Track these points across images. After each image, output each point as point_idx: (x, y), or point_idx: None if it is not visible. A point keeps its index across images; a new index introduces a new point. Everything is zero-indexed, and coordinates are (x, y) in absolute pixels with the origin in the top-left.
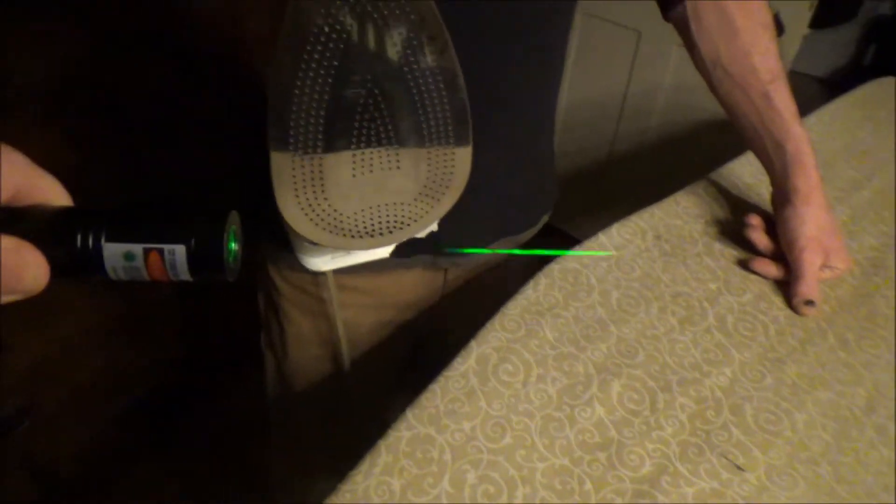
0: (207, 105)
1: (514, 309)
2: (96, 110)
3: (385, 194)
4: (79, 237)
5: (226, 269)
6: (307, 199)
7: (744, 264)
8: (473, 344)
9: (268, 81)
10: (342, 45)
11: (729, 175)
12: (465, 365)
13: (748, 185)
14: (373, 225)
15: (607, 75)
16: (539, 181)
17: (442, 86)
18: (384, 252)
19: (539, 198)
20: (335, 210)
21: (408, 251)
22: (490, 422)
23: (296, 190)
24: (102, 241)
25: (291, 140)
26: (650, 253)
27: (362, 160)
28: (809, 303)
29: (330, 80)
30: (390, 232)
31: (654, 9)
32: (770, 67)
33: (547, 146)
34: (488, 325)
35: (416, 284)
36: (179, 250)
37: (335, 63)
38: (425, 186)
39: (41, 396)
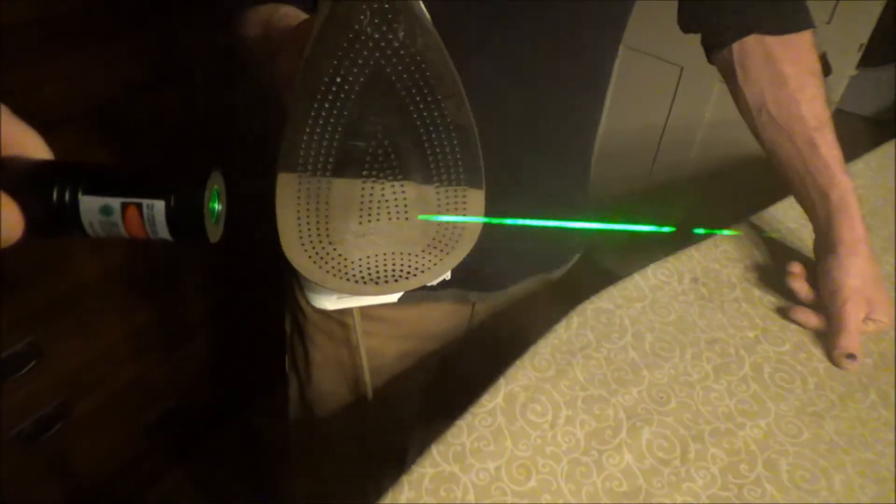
0: (245, 135)
1: (545, 347)
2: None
3: (392, 243)
4: (55, 189)
5: (206, 229)
6: (312, 244)
7: (783, 313)
8: (502, 381)
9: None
10: (353, 97)
11: (770, 219)
12: (493, 402)
13: (790, 229)
14: (378, 273)
15: (647, 108)
16: (574, 218)
17: (455, 142)
18: (393, 297)
19: (572, 236)
20: (340, 255)
21: (437, 285)
22: (515, 463)
23: (300, 235)
24: (80, 194)
25: (300, 181)
26: (686, 296)
27: (369, 209)
28: (851, 356)
29: (340, 130)
30: (396, 281)
31: (698, 45)
32: (817, 114)
33: (583, 184)
34: (518, 363)
35: (443, 317)
36: (158, 206)
37: (345, 114)
38: (434, 238)
39: (75, 402)
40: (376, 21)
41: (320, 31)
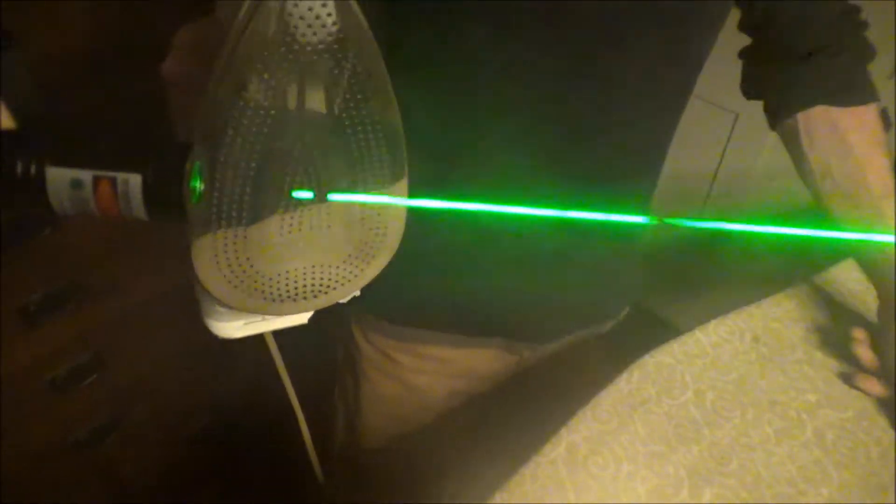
0: None
1: (607, 399)
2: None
3: (313, 255)
4: (19, 160)
5: (186, 209)
6: (229, 263)
7: (846, 378)
8: (564, 431)
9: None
10: (273, 111)
11: (833, 280)
12: (555, 452)
13: (852, 291)
14: (296, 288)
15: (699, 153)
16: (626, 272)
17: (382, 142)
18: (303, 318)
19: (624, 290)
20: (257, 272)
21: (485, 333)
22: None
23: (216, 255)
24: (46, 165)
25: (214, 212)
26: (747, 355)
27: (291, 220)
28: None
29: (258, 146)
30: (314, 296)
31: None
32: (884, 183)
33: (638, 238)
34: (580, 414)
35: (493, 359)
36: (134, 180)
37: (266, 125)
38: (356, 247)
39: (127, 413)
40: (309, 9)
41: (252, 19)
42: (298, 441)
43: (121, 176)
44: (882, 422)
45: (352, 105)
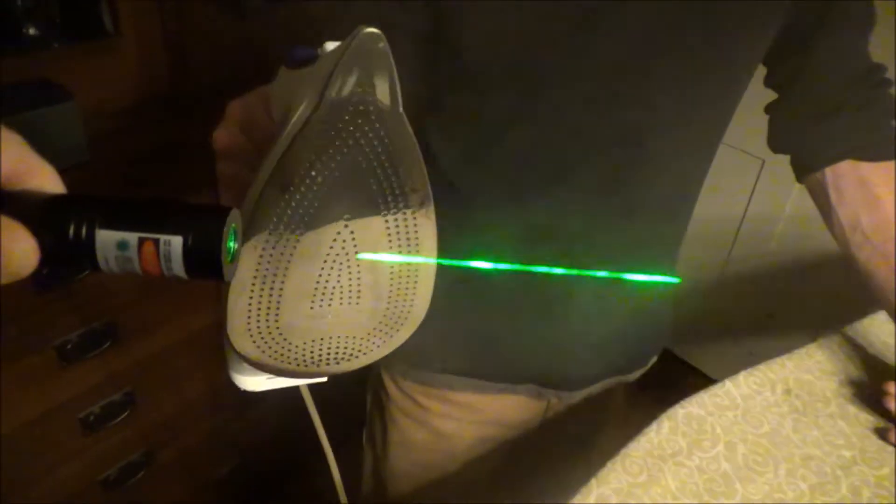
0: None
1: (637, 451)
2: None
3: (342, 326)
4: (72, 223)
5: (222, 268)
6: (259, 330)
7: (881, 433)
8: (594, 482)
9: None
10: (325, 189)
11: (866, 332)
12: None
13: (885, 343)
14: (321, 356)
15: (725, 198)
16: (656, 319)
17: (416, 231)
18: (323, 378)
19: (652, 339)
20: (285, 339)
21: (516, 380)
22: None
23: (248, 320)
24: (96, 227)
25: (257, 268)
26: (779, 408)
27: (324, 293)
28: None
29: (306, 220)
30: (337, 363)
31: None
32: None
33: (667, 290)
34: (609, 465)
35: (521, 406)
36: (176, 242)
37: (315, 205)
38: (380, 322)
39: (157, 452)
40: (359, 121)
41: (302, 130)
42: (326, 486)
43: (164, 238)
44: None
45: (390, 199)
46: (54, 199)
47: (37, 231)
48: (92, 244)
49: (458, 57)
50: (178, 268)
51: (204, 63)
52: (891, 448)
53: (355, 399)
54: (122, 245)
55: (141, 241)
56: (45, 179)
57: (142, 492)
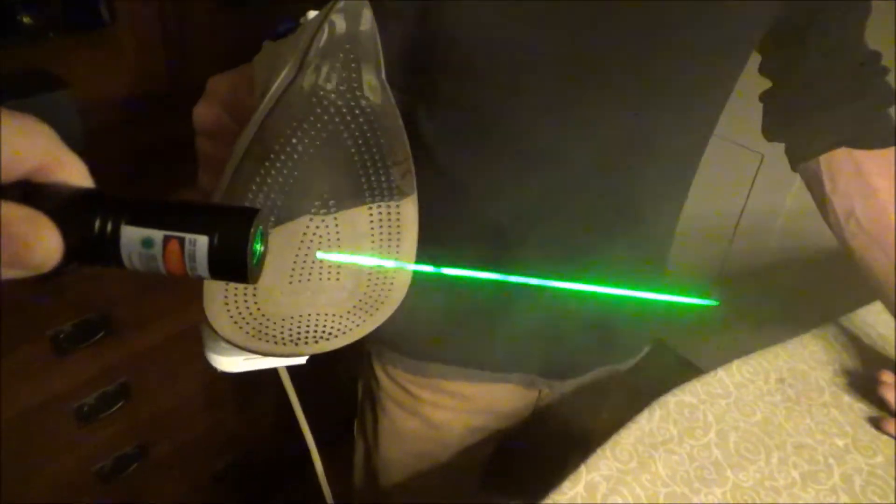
0: None
1: (627, 438)
2: None
3: (320, 303)
4: (98, 218)
5: (247, 269)
6: (237, 306)
7: (875, 423)
8: (583, 469)
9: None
10: (305, 160)
11: (861, 323)
12: (574, 490)
13: (880, 335)
14: (299, 333)
15: (724, 193)
16: (648, 309)
17: (397, 205)
18: (301, 358)
19: (645, 327)
20: (263, 315)
21: (507, 367)
22: None
23: (226, 297)
24: (122, 223)
25: None
26: (772, 397)
27: (302, 268)
28: None
29: (284, 192)
30: (315, 342)
31: None
32: None
33: (660, 274)
34: (599, 452)
35: (512, 396)
36: (201, 242)
37: (295, 174)
38: (360, 300)
39: (152, 445)
40: (342, 88)
41: (283, 95)
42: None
43: (189, 237)
44: None
45: (371, 171)
46: (81, 194)
47: (62, 225)
48: (117, 240)
49: (451, 45)
50: (202, 268)
51: (202, 55)
52: (884, 437)
53: (349, 390)
54: (147, 242)
55: (166, 240)
56: (73, 173)
57: (137, 485)
